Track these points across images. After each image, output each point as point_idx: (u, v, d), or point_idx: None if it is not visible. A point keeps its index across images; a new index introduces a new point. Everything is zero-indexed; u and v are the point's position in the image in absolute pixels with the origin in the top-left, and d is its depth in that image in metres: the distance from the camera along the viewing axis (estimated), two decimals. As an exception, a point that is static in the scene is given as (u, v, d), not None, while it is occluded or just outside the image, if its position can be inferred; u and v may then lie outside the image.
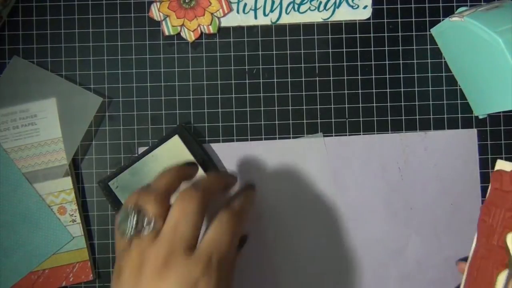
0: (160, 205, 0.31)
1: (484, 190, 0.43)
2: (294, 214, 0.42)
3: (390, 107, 0.43)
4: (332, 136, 0.43)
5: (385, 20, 0.44)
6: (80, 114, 0.42)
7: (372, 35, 0.44)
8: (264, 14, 0.43)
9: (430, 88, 0.44)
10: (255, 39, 0.44)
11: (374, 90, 0.43)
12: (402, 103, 0.44)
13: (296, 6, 0.43)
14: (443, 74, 0.44)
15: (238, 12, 0.43)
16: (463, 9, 0.40)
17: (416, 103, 0.44)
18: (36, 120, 0.42)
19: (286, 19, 0.43)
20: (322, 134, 0.43)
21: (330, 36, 0.44)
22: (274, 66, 0.43)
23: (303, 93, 0.43)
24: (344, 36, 0.44)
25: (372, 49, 0.44)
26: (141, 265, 0.29)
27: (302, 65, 0.44)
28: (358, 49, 0.44)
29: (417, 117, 0.43)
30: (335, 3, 0.43)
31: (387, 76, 0.44)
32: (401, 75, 0.44)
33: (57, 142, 0.42)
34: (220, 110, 0.43)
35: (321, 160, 0.43)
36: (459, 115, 0.43)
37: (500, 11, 0.37)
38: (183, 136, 0.42)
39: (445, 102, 0.44)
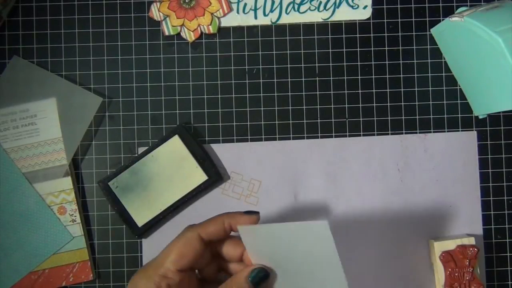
0: None
1: (484, 191, 0.43)
2: (293, 215, 0.42)
3: (390, 107, 0.43)
4: (332, 136, 0.43)
5: (385, 20, 0.44)
6: (80, 114, 0.42)
7: (372, 35, 0.44)
8: (264, 14, 0.43)
9: (430, 88, 0.44)
10: (255, 39, 0.44)
11: (374, 90, 0.43)
12: (402, 103, 0.44)
13: (296, 6, 0.43)
14: (443, 74, 0.44)
15: (238, 12, 0.43)
16: (463, 9, 0.40)
17: (416, 103, 0.44)
18: (36, 120, 0.42)
19: (286, 19, 0.43)
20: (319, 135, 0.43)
21: (330, 36, 0.44)
22: (274, 66, 0.43)
23: (303, 93, 0.43)
24: (344, 36, 0.44)
25: (372, 49, 0.44)
26: None
27: (302, 65, 0.44)
28: (358, 49, 0.44)
29: (417, 117, 0.43)
30: (335, 3, 0.43)
31: (387, 76, 0.44)
32: (401, 75, 0.44)
33: (57, 142, 0.42)
34: (220, 110, 0.43)
35: (322, 161, 0.43)
36: (459, 115, 0.43)
37: (500, 11, 0.37)
38: (183, 136, 0.42)
39: (445, 102, 0.44)
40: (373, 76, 0.44)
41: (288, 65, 0.44)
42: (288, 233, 0.32)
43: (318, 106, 0.43)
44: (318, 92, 0.43)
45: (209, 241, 0.33)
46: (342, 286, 0.32)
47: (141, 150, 0.42)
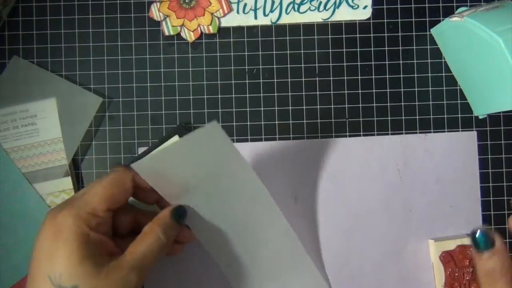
0: None
1: (484, 191, 0.43)
2: (293, 215, 0.42)
3: (390, 107, 0.43)
4: (332, 136, 0.43)
5: (385, 20, 0.44)
6: (80, 114, 0.42)
7: (372, 35, 0.44)
8: (264, 14, 0.43)
9: (430, 88, 0.44)
10: (255, 39, 0.44)
11: (374, 90, 0.43)
12: (402, 103, 0.44)
13: (296, 6, 0.43)
14: (443, 74, 0.44)
15: (238, 12, 0.43)
16: (463, 9, 0.40)
17: (416, 103, 0.44)
18: (36, 120, 0.42)
19: (286, 19, 0.43)
20: (317, 136, 0.43)
21: (330, 36, 0.44)
22: (274, 66, 0.43)
23: (303, 93, 0.43)
24: (344, 36, 0.44)
25: (372, 49, 0.44)
26: None
27: (302, 65, 0.44)
28: (358, 49, 0.44)
29: (417, 117, 0.43)
30: (335, 3, 0.43)
31: (387, 76, 0.44)
32: (401, 75, 0.44)
33: (57, 142, 0.42)
34: (220, 110, 0.43)
35: (321, 161, 0.43)
36: (459, 115, 0.43)
37: (500, 11, 0.37)
38: (183, 136, 0.42)
39: (445, 102, 0.44)
40: (373, 76, 0.44)
41: (288, 65, 0.44)
42: (183, 150, 0.31)
43: (318, 106, 0.43)
44: (318, 92, 0.43)
45: (138, 187, 0.33)
46: (261, 192, 0.32)
47: (141, 150, 0.42)
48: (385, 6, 0.44)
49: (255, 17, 0.43)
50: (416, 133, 0.43)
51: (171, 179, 0.32)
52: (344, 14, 0.43)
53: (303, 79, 0.43)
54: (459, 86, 0.44)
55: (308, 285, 0.37)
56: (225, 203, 0.35)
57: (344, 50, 0.44)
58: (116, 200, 0.31)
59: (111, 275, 0.29)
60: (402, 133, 0.43)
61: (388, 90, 0.44)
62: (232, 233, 0.36)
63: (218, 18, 0.43)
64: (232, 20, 0.43)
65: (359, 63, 0.44)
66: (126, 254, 0.31)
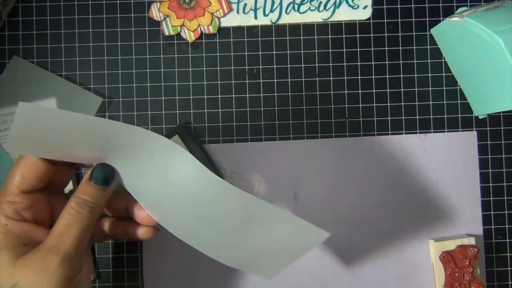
0: None
1: (484, 191, 0.43)
2: (294, 214, 0.42)
3: (390, 107, 0.43)
4: (332, 136, 0.43)
5: (385, 20, 0.44)
6: (80, 114, 0.42)
7: (372, 35, 0.44)
8: (264, 14, 0.43)
9: (430, 88, 0.44)
10: (255, 39, 0.44)
11: (374, 90, 0.43)
12: (402, 103, 0.44)
13: (296, 6, 0.43)
14: (443, 74, 0.44)
15: (238, 12, 0.43)
16: (463, 9, 0.40)
17: (416, 103, 0.44)
18: (36, 120, 0.42)
19: (286, 19, 0.43)
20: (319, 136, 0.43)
21: (330, 36, 0.44)
22: (274, 66, 0.43)
23: (303, 93, 0.43)
24: (344, 36, 0.44)
25: (372, 49, 0.44)
26: None
27: (302, 65, 0.44)
28: (358, 49, 0.44)
29: (417, 117, 0.43)
30: (335, 3, 0.43)
31: (387, 76, 0.44)
32: (401, 75, 0.44)
33: (57, 142, 0.42)
34: (220, 110, 0.43)
35: (321, 162, 0.43)
36: (459, 115, 0.43)
37: (500, 11, 0.37)
38: (183, 136, 0.42)
39: (445, 102, 0.44)
40: (373, 76, 0.44)
41: (288, 65, 0.44)
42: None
43: (318, 106, 0.43)
44: (318, 92, 0.43)
45: (55, 162, 0.30)
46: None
47: (141, 150, 0.42)
48: (385, 6, 0.44)
49: (255, 17, 0.43)
50: (416, 133, 0.43)
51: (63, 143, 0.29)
52: (344, 14, 0.43)
53: (303, 79, 0.43)
54: (459, 86, 0.44)
55: (290, 232, 0.33)
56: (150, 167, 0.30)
57: (344, 50, 0.44)
58: (29, 181, 0.29)
59: (28, 262, 0.28)
60: (402, 133, 0.43)
61: (388, 90, 0.44)
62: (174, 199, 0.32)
63: (218, 18, 0.43)
64: (232, 20, 0.43)
65: (359, 63, 0.44)
66: (46, 237, 0.29)
